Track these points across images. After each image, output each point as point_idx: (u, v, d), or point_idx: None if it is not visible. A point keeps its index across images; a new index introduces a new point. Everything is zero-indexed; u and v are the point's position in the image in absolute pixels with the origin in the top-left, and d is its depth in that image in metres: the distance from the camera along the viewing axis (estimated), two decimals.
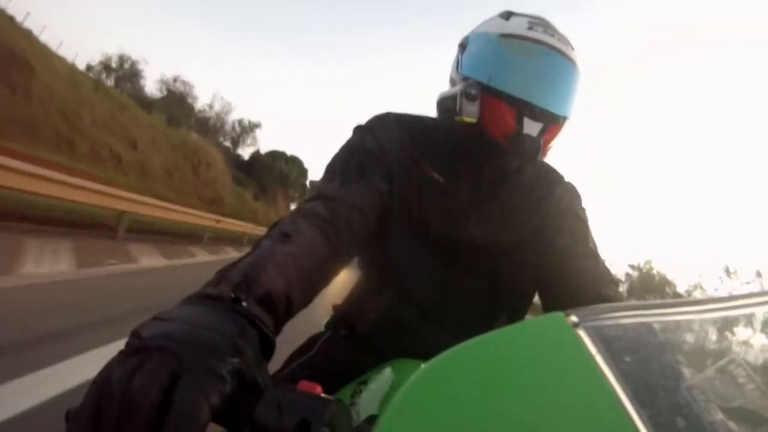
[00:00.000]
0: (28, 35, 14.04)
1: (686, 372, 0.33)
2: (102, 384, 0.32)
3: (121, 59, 24.41)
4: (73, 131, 11.63)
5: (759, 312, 0.36)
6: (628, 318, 0.34)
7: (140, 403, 0.31)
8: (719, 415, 0.31)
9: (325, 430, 0.34)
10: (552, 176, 0.87)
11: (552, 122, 0.72)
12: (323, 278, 0.59)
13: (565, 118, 0.74)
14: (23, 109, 9.97)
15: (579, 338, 0.31)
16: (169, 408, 0.31)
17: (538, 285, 0.82)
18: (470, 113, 0.72)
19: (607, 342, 0.31)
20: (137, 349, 0.34)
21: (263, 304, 0.45)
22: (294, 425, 0.34)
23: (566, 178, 0.89)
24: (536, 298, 0.86)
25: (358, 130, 0.80)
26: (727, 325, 0.37)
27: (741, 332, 0.38)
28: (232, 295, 0.43)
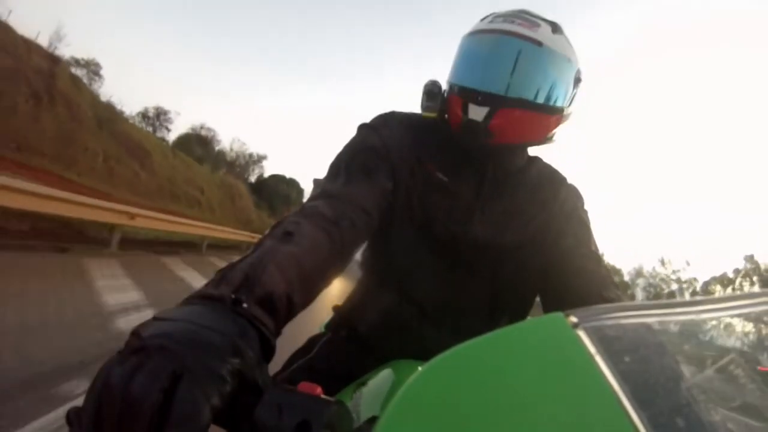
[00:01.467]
0: (134, 125, 22.02)
1: (686, 372, 0.33)
2: (102, 384, 0.32)
3: (157, 111, 30.42)
4: (176, 188, 18.34)
5: (759, 312, 0.36)
6: (627, 318, 0.34)
7: (141, 404, 0.31)
8: (719, 415, 0.31)
9: (325, 431, 0.34)
10: (555, 178, 0.87)
11: (501, 105, 0.70)
12: (325, 278, 0.58)
13: (521, 99, 0.70)
14: (154, 180, 16.26)
15: (579, 338, 0.31)
16: (169, 408, 0.31)
17: (539, 286, 0.81)
18: (429, 109, 0.77)
19: (606, 342, 0.31)
20: (137, 349, 0.34)
21: (264, 305, 0.45)
22: (294, 426, 0.34)
23: (569, 181, 0.89)
24: (537, 298, 0.86)
25: (362, 128, 0.80)
26: (727, 325, 0.37)
27: (741, 332, 0.38)
28: (233, 296, 0.42)
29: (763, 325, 0.40)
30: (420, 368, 0.33)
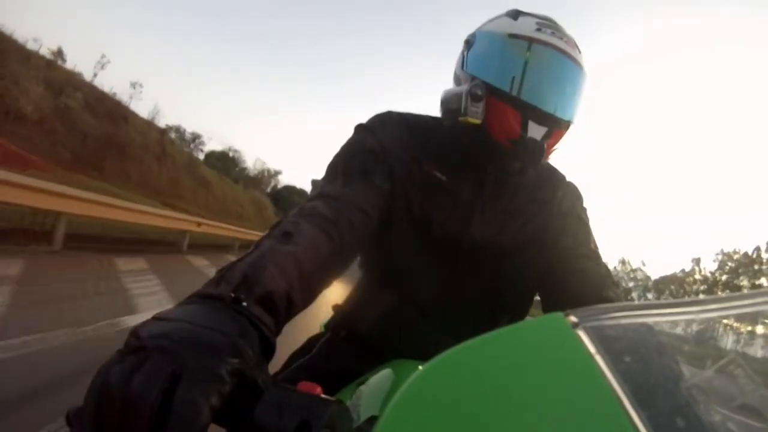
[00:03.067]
0: (200, 162, 30.97)
1: (686, 372, 0.33)
2: (102, 384, 0.32)
3: (193, 135, 37.19)
4: (228, 206, 25.54)
5: (759, 312, 0.36)
6: (627, 318, 0.34)
7: (141, 404, 0.31)
8: (719, 415, 0.31)
9: (325, 431, 0.34)
10: (554, 177, 0.87)
11: (557, 126, 0.72)
12: (325, 278, 0.58)
13: (569, 123, 0.74)
14: (217, 202, 23.47)
15: (578, 338, 0.31)
16: (169, 409, 0.31)
17: (539, 286, 0.81)
18: (475, 114, 0.72)
19: (606, 342, 0.31)
20: (136, 349, 0.34)
21: (264, 305, 0.45)
22: (294, 426, 0.34)
23: (568, 178, 0.89)
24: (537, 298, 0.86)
25: (359, 129, 0.79)
26: (727, 325, 0.37)
27: (741, 332, 0.38)
28: (233, 295, 0.42)
29: (763, 325, 0.40)
30: (420, 368, 0.33)
